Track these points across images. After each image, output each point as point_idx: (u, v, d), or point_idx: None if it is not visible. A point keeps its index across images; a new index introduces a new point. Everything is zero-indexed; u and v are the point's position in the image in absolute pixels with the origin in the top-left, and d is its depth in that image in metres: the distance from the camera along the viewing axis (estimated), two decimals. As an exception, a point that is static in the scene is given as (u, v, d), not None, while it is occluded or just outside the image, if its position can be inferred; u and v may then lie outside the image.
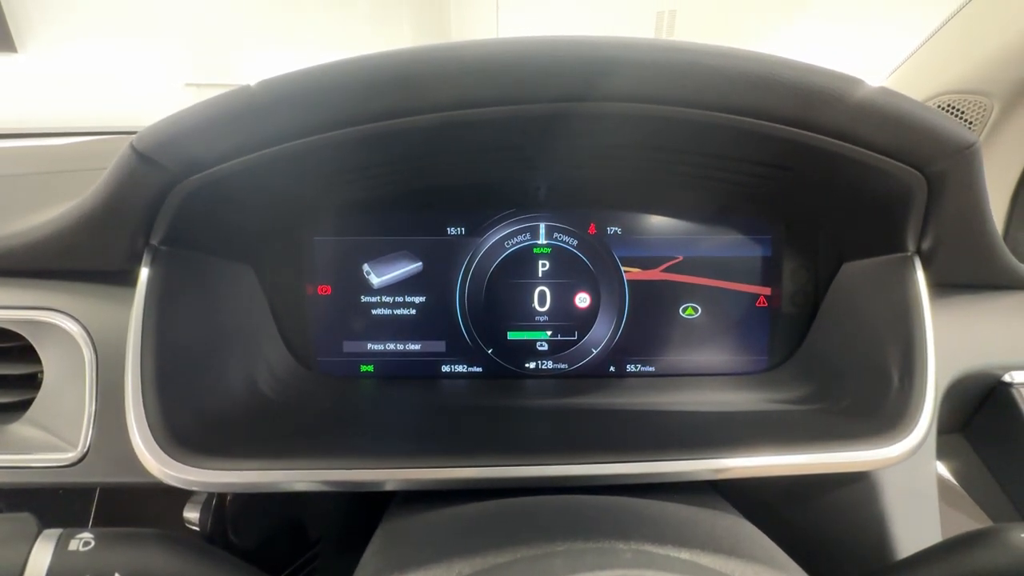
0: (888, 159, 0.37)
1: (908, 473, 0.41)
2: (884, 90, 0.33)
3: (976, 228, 0.42)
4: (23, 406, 0.40)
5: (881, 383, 0.42)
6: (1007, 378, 0.45)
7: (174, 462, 0.33)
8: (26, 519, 0.23)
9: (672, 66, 0.32)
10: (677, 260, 0.56)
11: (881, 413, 0.40)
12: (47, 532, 0.23)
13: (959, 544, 0.27)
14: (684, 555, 0.24)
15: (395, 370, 0.56)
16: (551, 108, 0.35)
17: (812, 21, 3.46)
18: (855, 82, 0.32)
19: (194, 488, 0.34)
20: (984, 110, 0.59)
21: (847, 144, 0.37)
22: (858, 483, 0.42)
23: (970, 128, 0.60)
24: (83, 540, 0.23)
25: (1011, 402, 0.44)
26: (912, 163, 0.37)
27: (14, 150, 0.77)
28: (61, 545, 0.23)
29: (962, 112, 0.61)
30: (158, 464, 0.33)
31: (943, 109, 0.62)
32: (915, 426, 0.38)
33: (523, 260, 0.56)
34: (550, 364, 0.57)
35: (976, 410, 0.48)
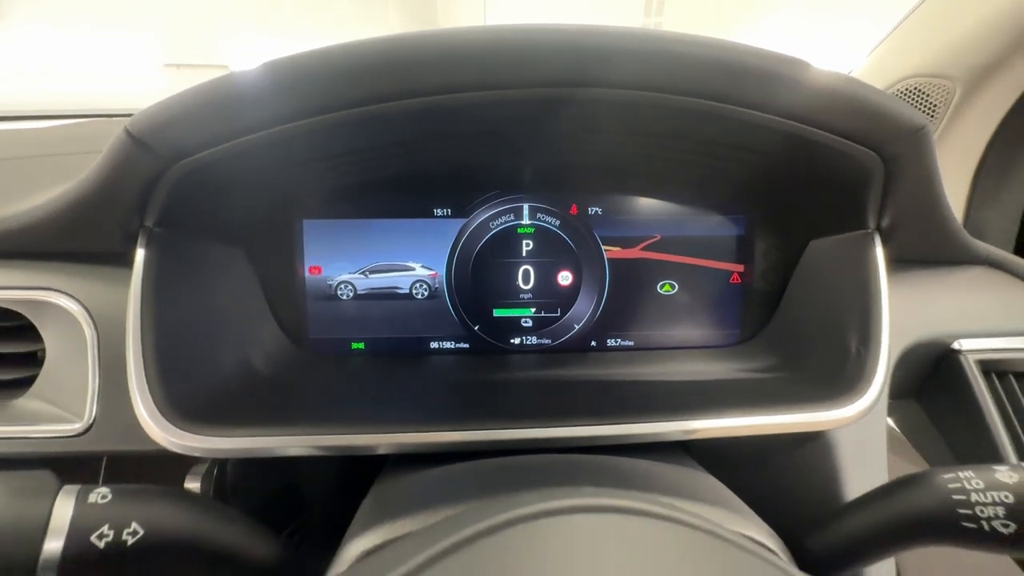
0: (847, 141, 0.40)
1: (860, 432, 0.45)
2: (838, 74, 0.35)
3: (930, 207, 0.45)
4: (26, 383, 0.42)
5: (840, 351, 0.45)
6: (956, 345, 0.49)
7: (176, 430, 0.35)
8: (46, 475, 0.25)
9: (641, 53, 0.33)
10: (655, 239, 0.58)
11: (839, 379, 0.43)
12: (67, 487, 0.25)
13: (895, 487, 0.30)
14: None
15: (385, 347, 0.58)
16: (529, 94, 0.36)
17: (799, 5, 3.47)
18: (806, 66, 0.34)
19: (196, 454, 0.36)
20: (948, 93, 0.61)
21: (808, 127, 0.39)
22: (815, 442, 0.45)
23: (934, 110, 0.63)
24: (101, 494, 0.25)
25: (959, 368, 0.48)
26: (869, 145, 0.40)
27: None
28: (81, 498, 0.25)
29: (927, 95, 0.63)
30: (162, 432, 0.35)
31: (910, 91, 0.65)
32: (868, 389, 0.41)
33: (508, 240, 0.58)
34: (534, 340, 0.59)
35: (928, 376, 0.51)
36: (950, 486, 0.27)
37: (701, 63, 0.34)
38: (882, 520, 0.30)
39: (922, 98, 0.63)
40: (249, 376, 0.48)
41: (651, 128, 0.45)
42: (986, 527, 0.26)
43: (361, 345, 0.58)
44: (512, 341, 0.59)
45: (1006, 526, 0.25)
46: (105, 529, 0.24)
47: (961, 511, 0.26)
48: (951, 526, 0.27)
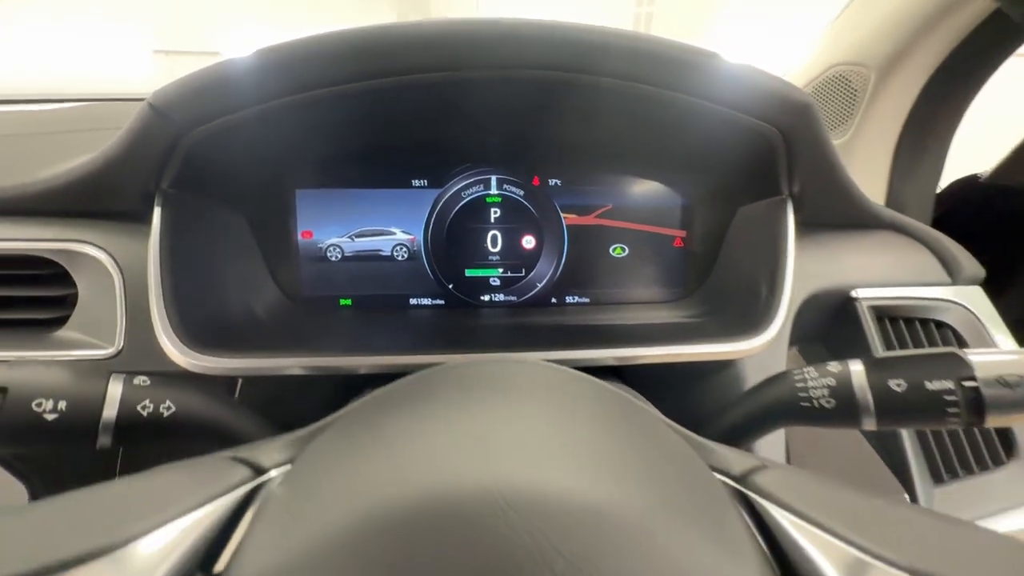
0: (753, 119, 0.48)
1: (764, 364, 0.53)
2: (738, 63, 0.43)
3: (829, 175, 0.53)
4: (60, 321, 0.49)
5: (754, 297, 0.53)
6: (853, 294, 0.57)
7: (192, 351, 0.43)
8: (100, 366, 0.33)
9: (573, 43, 0.41)
10: (608, 208, 0.66)
11: (750, 318, 0.51)
12: (115, 374, 0.33)
13: (760, 385, 0.38)
14: None
15: (369, 303, 0.66)
16: (484, 75, 0.44)
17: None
18: (711, 55, 0.42)
19: (208, 372, 0.43)
20: (864, 79, 0.69)
21: (723, 107, 0.47)
22: (727, 372, 0.54)
23: (855, 95, 0.71)
24: (142, 379, 0.33)
25: (855, 313, 0.56)
26: (769, 121, 0.48)
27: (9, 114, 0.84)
28: (128, 381, 0.33)
29: (849, 81, 0.71)
30: (180, 354, 0.43)
31: (836, 78, 0.73)
32: (771, 326, 0.49)
33: (478, 208, 0.65)
34: (502, 297, 0.67)
35: (831, 322, 0.60)
36: (795, 378, 0.36)
37: (622, 52, 0.42)
38: (752, 409, 0.38)
39: (845, 84, 0.71)
40: (252, 321, 0.56)
41: (600, 108, 0.52)
42: (816, 404, 0.34)
43: (348, 301, 0.66)
44: (482, 298, 0.67)
45: (829, 402, 0.34)
46: (147, 403, 0.32)
47: (800, 395, 0.35)
48: (795, 407, 0.35)
